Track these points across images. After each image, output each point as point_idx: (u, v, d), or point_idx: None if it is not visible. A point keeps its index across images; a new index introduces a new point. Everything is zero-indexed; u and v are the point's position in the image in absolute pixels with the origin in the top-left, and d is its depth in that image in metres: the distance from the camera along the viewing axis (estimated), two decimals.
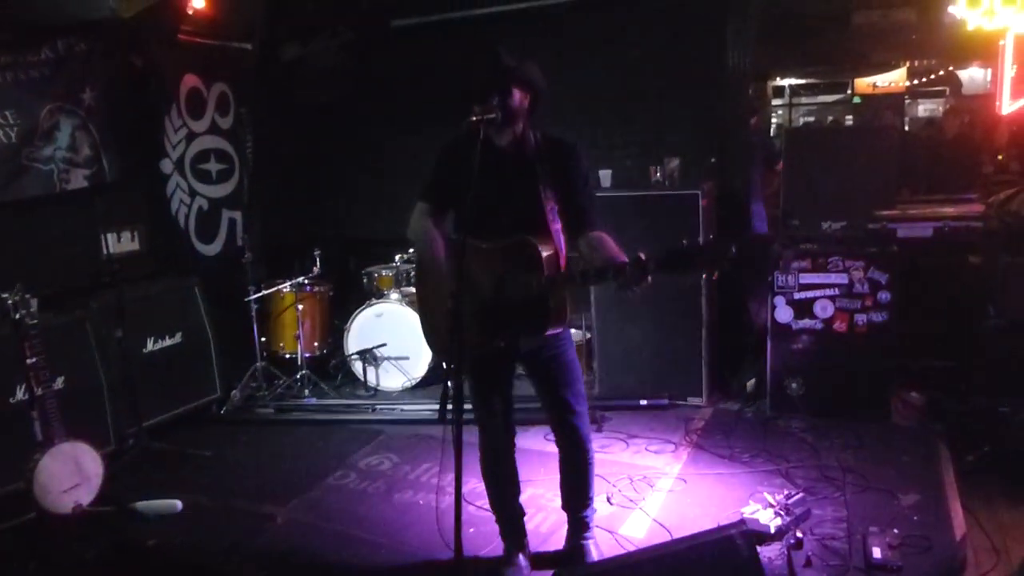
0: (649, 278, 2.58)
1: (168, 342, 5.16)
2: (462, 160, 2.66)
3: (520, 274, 2.85)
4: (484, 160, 2.67)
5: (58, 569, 3.53)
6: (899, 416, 4.73)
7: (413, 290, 5.64)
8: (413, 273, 5.69)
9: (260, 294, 5.69)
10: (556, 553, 3.40)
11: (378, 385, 5.74)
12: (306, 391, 5.69)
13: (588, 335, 5.47)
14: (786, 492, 3.61)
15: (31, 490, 3.65)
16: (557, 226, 2.96)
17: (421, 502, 3.99)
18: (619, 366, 5.28)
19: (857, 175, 4.95)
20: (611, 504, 3.85)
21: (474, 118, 2.69)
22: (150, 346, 5.04)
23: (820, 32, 9.12)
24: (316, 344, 5.96)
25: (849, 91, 13.67)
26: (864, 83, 13.14)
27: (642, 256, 2.57)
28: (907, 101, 13.83)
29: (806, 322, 4.77)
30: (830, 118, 13.98)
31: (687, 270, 2.57)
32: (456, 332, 2.54)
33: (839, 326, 4.70)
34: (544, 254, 2.84)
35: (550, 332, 2.95)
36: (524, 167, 2.95)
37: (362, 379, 5.77)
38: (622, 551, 3.34)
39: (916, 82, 12.88)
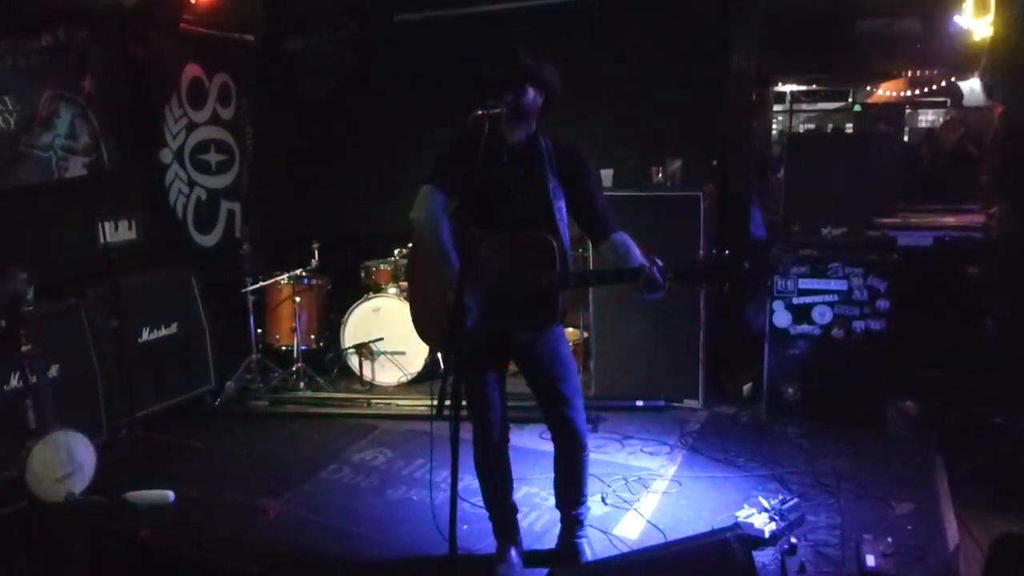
0: (667, 286, 2.61)
1: (164, 332, 5.14)
2: (472, 152, 2.65)
3: (532, 268, 2.84)
4: (494, 155, 2.66)
5: (49, 558, 3.50)
6: (894, 424, 4.73)
7: None
8: (406, 259, 5.67)
9: (257, 286, 5.67)
10: (549, 552, 3.39)
11: (374, 380, 5.73)
12: (301, 384, 5.68)
13: (585, 334, 5.46)
14: (781, 497, 3.61)
15: (23, 478, 3.63)
16: (563, 225, 2.96)
17: (415, 498, 3.98)
18: (616, 367, 5.28)
19: (858, 182, 4.94)
20: (605, 504, 3.84)
21: (479, 112, 2.68)
22: (145, 336, 5.02)
23: (823, 39, 9.10)
24: (312, 337, 5.94)
25: (850, 99, 13.67)
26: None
27: (659, 263, 2.63)
28: (907, 111, 13.82)
29: (804, 327, 4.77)
30: (830, 125, 13.97)
31: (701, 281, 2.67)
32: (458, 323, 2.53)
33: (837, 332, 4.70)
34: (559, 251, 2.85)
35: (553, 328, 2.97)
36: (533, 164, 2.95)
37: (358, 373, 5.75)
38: (616, 552, 3.33)
39: (917, 92, 12.87)
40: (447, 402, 2.45)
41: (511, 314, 2.90)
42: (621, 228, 2.98)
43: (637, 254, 2.86)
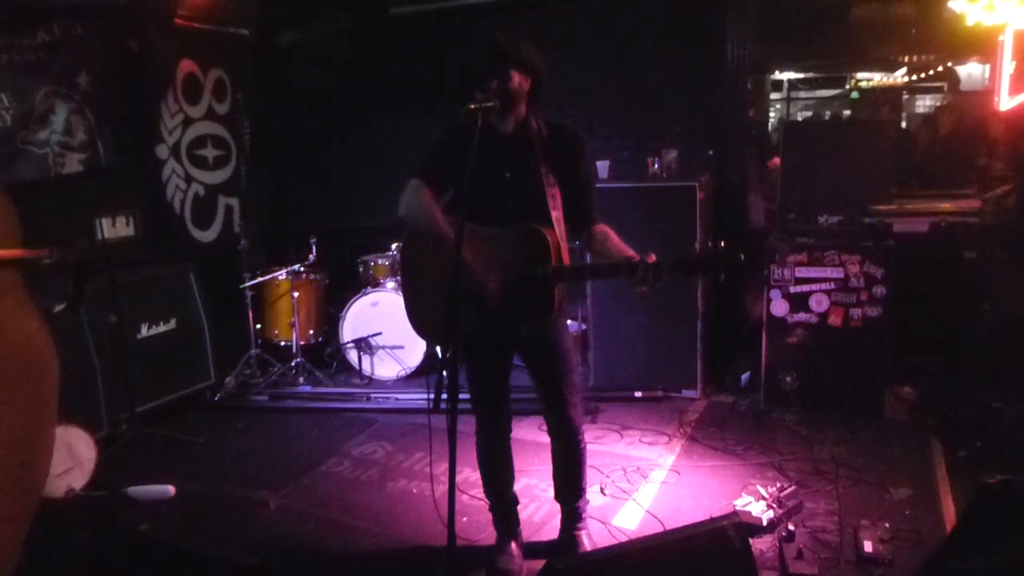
0: (663, 277, 2.61)
1: (162, 328, 5.14)
2: (465, 144, 2.62)
3: (527, 261, 2.83)
4: (487, 146, 2.64)
5: (49, 553, 3.52)
6: (892, 410, 4.74)
7: None
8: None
9: (256, 281, 5.68)
10: (549, 543, 3.41)
11: (373, 374, 5.74)
12: (301, 379, 5.70)
13: (583, 326, 5.47)
14: (779, 485, 3.63)
15: None
16: (557, 213, 2.93)
17: (415, 491, 3.99)
18: (614, 358, 5.29)
19: (854, 169, 4.93)
20: (604, 495, 3.86)
21: (472, 107, 2.66)
22: (144, 331, 5.02)
23: (818, 26, 9.09)
24: (311, 332, 5.95)
25: (847, 86, 13.67)
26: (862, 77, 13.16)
27: (654, 258, 2.62)
28: (905, 97, 13.80)
29: (801, 316, 4.77)
30: (828, 113, 13.96)
31: (696, 274, 2.63)
32: (454, 315, 2.52)
33: (834, 320, 4.71)
34: (552, 244, 2.84)
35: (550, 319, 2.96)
36: (527, 153, 2.92)
37: (357, 368, 5.76)
38: (615, 541, 3.35)
39: (914, 77, 12.85)
40: (444, 395, 2.45)
41: (508, 307, 2.90)
42: (604, 222, 2.99)
43: (621, 245, 2.86)
